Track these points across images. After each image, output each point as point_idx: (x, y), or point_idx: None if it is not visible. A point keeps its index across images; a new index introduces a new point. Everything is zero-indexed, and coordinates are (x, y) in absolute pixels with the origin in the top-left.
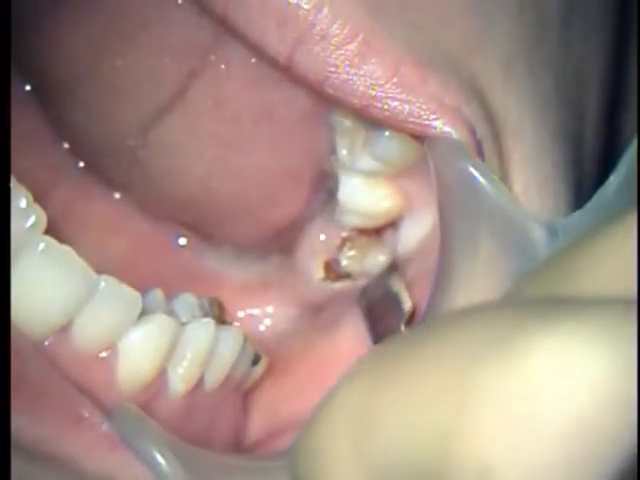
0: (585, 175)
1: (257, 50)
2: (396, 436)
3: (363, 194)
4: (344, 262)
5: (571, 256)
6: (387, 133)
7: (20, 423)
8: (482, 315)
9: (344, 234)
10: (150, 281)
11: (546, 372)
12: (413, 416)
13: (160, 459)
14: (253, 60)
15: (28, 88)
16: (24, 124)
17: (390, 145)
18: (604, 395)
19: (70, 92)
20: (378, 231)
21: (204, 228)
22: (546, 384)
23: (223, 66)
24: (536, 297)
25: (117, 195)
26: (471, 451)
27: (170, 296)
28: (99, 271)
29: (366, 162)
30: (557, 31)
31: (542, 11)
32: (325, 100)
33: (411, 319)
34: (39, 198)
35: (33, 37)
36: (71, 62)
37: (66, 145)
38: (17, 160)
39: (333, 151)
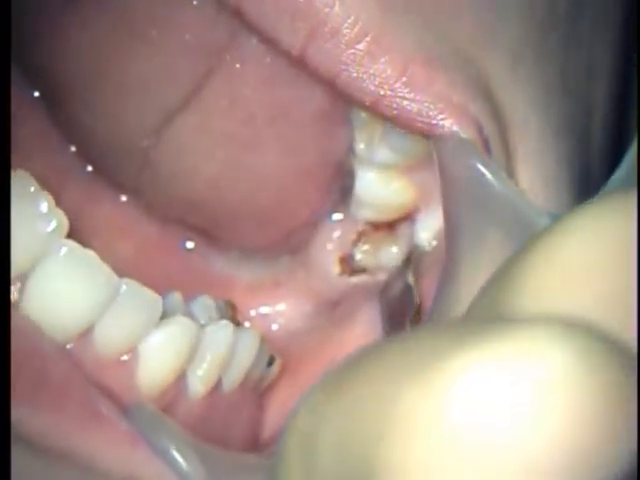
0: (592, 170)
1: (270, 43)
2: (331, 456)
3: (379, 187)
4: (358, 256)
5: (510, 273)
6: None
7: (43, 425)
8: (405, 341)
9: (359, 228)
10: (159, 284)
11: (460, 399)
12: (345, 438)
13: (179, 457)
14: (268, 59)
15: (37, 94)
16: (32, 129)
17: (408, 136)
18: (512, 421)
19: (80, 95)
20: (392, 225)
21: (213, 231)
22: (459, 410)
23: (238, 65)
24: (473, 319)
25: (125, 198)
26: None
27: (183, 299)
28: None
29: (384, 154)
30: (565, 25)
31: (551, 5)
32: (343, 97)
33: (418, 316)
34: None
35: (41, 41)
36: (80, 64)
37: (74, 149)
38: (25, 165)
39: (351, 148)
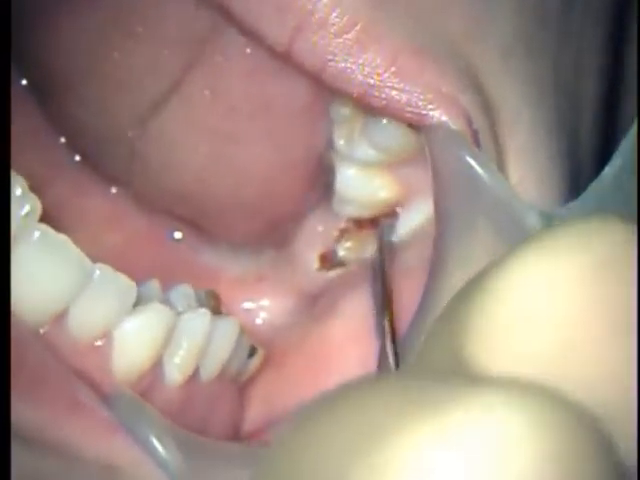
0: (582, 165)
1: (256, 38)
2: None
3: (360, 184)
4: (341, 252)
5: (464, 320)
6: (385, 121)
7: (19, 410)
8: (355, 409)
9: (342, 225)
10: (146, 275)
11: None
12: None
13: (158, 444)
14: (249, 51)
15: (24, 83)
16: (20, 119)
17: (388, 133)
18: None
19: (68, 86)
20: (375, 221)
21: (200, 222)
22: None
23: (220, 57)
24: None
25: (113, 189)
26: None
27: (165, 288)
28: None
29: (364, 151)
30: (556, 19)
31: (541, 2)
32: (324, 91)
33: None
34: (36, 191)
35: (30, 31)
36: (69, 56)
37: (62, 139)
38: (13, 154)
39: (331, 143)
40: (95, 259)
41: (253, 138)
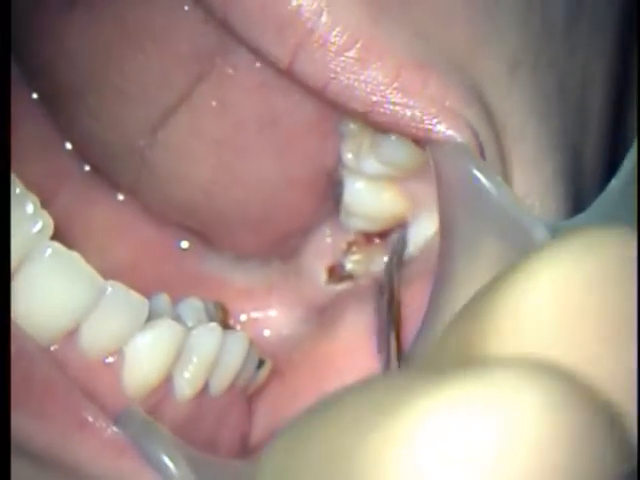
0: (586, 177)
1: (260, 55)
2: None
3: (368, 198)
4: (349, 265)
5: (481, 315)
6: (393, 137)
7: (27, 428)
8: (374, 384)
9: (350, 238)
10: (153, 284)
11: (428, 440)
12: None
13: (168, 462)
14: (258, 65)
15: (35, 96)
16: (30, 130)
17: (396, 149)
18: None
19: (78, 97)
20: (383, 235)
21: (207, 233)
22: (427, 451)
23: (229, 70)
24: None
25: (121, 198)
26: None
27: (174, 300)
28: (103, 274)
29: (372, 165)
30: (563, 33)
31: (548, 12)
32: (332, 106)
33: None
34: (44, 202)
35: (41, 44)
36: (79, 68)
37: (71, 149)
38: (22, 165)
39: (340, 157)
40: (103, 268)
41: (260, 152)
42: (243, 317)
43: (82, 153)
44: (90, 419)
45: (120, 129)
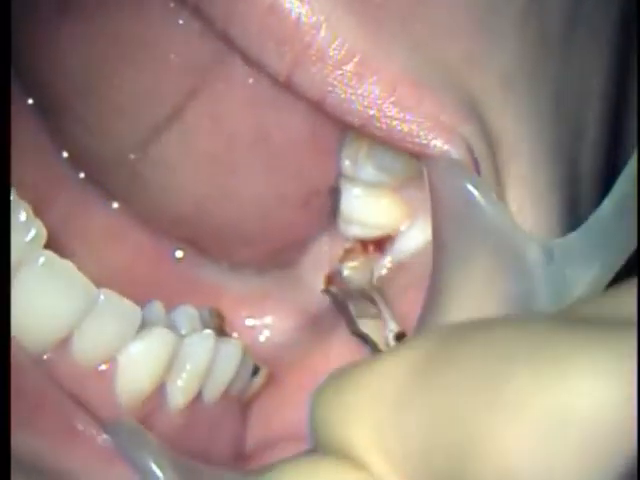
0: (582, 192)
1: (258, 68)
2: (422, 427)
3: (365, 205)
4: (345, 272)
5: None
6: None
7: (17, 438)
8: (531, 325)
9: (347, 245)
10: (149, 292)
11: (578, 393)
12: (444, 409)
13: (158, 472)
14: (251, 80)
15: (30, 102)
16: (25, 136)
17: (394, 156)
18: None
19: (70, 107)
20: (380, 242)
21: (201, 244)
22: (576, 403)
23: (222, 85)
24: (587, 318)
25: (116, 206)
26: (495, 452)
27: (169, 307)
28: (98, 281)
29: (369, 172)
30: (558, 43)
31: (544, 27)
32: (326, 123)
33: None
34: (39, 209)
35: (35, 53)
36: (72, 78)
37: (67, 156)
38: (17, 171)
39: (334, 175)
40: (98, 275)
41: (252, 168)
42: (239, 324)
43: (76, 160)
44: (80, 427)
45: (112, 142)
